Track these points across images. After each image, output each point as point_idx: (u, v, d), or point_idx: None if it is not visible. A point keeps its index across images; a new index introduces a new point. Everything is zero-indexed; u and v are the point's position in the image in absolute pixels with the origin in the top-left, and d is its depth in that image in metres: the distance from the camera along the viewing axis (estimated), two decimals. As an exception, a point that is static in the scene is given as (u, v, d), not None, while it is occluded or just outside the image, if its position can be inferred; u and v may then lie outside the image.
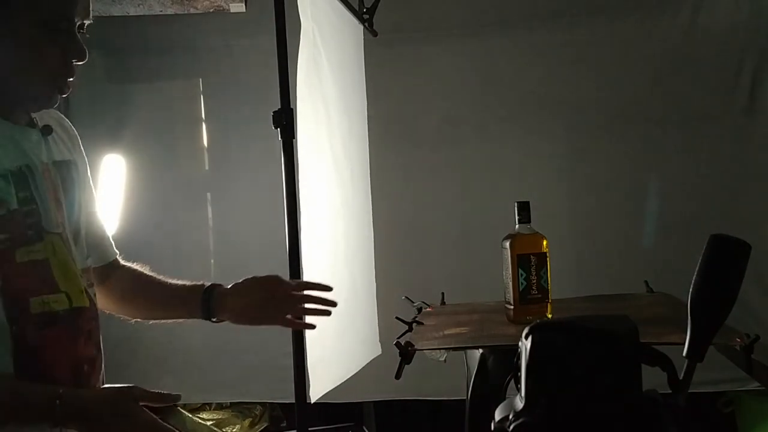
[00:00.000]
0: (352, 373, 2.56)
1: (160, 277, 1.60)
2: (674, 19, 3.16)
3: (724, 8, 3.13)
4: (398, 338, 1.80)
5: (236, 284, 1.57)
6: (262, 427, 3.46)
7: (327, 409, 3.10)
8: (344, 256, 2.55)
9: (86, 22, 1.28)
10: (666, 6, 3.17)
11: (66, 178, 1.34)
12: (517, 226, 1.97)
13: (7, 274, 1.18)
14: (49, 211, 1.26)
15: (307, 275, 2.15)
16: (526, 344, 0.97)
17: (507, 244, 1.96)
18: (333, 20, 2.54)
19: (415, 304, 2.22)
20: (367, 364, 2.68)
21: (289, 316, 1.61)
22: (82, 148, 1.46)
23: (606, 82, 3.20)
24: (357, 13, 2.79)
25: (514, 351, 1.00)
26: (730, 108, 3.14)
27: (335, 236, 2.49)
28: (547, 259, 1.95)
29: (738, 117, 3.14)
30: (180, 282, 1.59)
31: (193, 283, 1.59)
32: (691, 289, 0.98)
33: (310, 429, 2.15)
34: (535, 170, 3.25)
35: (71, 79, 1.28)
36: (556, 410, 0.94)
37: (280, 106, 2.02)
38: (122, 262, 1.58)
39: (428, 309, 2.24)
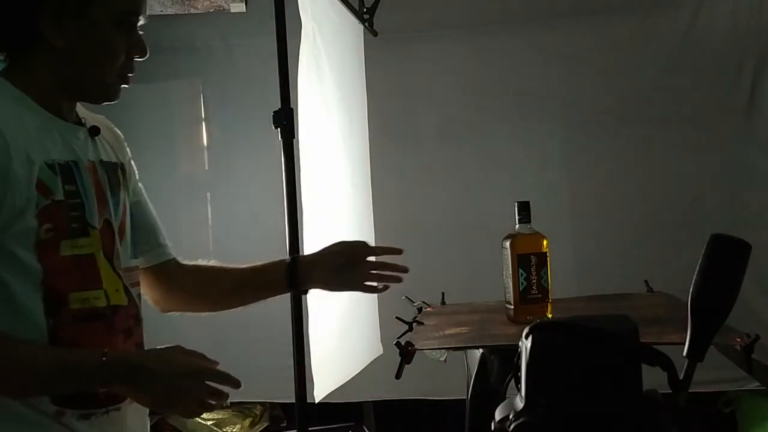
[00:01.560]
0: (355, 373, 2.56)
1: (230, 265, 1.63)
2: (674, 19, 3.16)
3: (724, 8, 3.13)
4: (398, 338, 1.80)
5: (319, 253, 1.64)
6: (262, 427, 3.46)
7: (327, 409, 3.09)
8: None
9: (142, 20, 1.32)
10: (666, 6, 3.17)
11: (112, 178, 1.35)
12: (517, 226, 1.97)
13: (49, 266, 1.19)
14: (94, 207, 1.27)
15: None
16: (526, 344, 0.97)
17: (507, 244, 1.95)
18: (333, 20, 2.54)
19: (415, 304, 2.21)
20: (368, 363, 2.69)
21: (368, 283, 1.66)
22: (129, 154, 1.48)
23: (606, 82, 3.20)
24: (357, 13, 2.79)
25: (514, 351, 1.00)
26: (730, 108, 3.14)
27: (336, 236, 2.49)
28: (548, 259, 1.95)
29: (738, 117, 3.14)
30: (252, 265, 1.63)
31: (270, 261, 1.64)
32: (691, 289, 0.98)
33: (310, 429, 2.15)
34: (535, 170, 3.25)
35: (131, 75, 1.31)
36: (556, 410, 0.94)
37: (280, 106, 2.02)
38: (184, 262, 1.58)
39: (428, 309, 2.24)
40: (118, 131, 1.47)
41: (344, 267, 1.61)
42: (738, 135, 3.15)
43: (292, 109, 2.05)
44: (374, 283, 1.66)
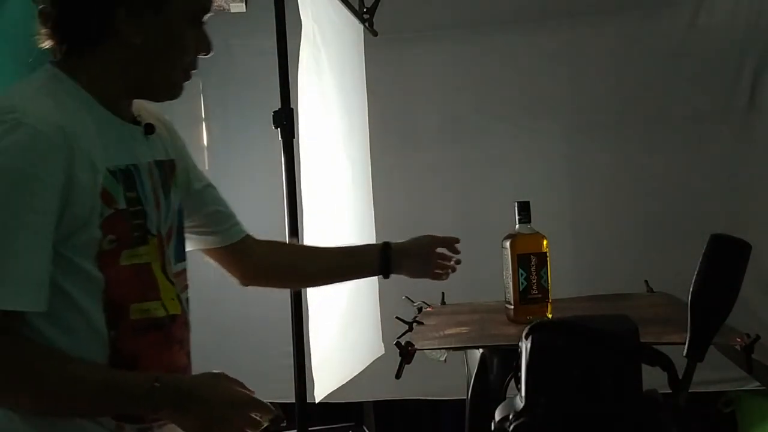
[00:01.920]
0: (356, 373, 2.56)
1: (317, 245, 1.73)
2: (674, 18, 3.16)
3: (724, 8, 3.13)
4: (398, 338, 1.80)
5: (410, 243, 1.74)
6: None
7: (327, 409, 3.09)
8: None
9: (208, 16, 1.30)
10: (666, 5, 3.16)
11: (164, 178, 1.31)
12: (517, 225, 1.96)
13: (111, 277, 1.16)
14: (153, 213, 1.24)
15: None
16: (526, 344, 0.97)
17: (507, 243, 1.95)
18: (333, 20, 2.54)
19: (415, 304, 2.21)
20: (369, 363, 2.69)
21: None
22: (181, 141, 1.44)
23: (606, 82, 3.20)
24: (357, 13, 2.79)
25: (514, 351, 1.00)
26: (730, 107, 3.14)
27: (337, 236, 2.49)
28: (548, 259, 1.95)
29: (738, 116, 3.14)
30: (342, 247, 1.75)
31: (361, 245, 1.81)
32: (691, 289, 0.98)
33: (310, 429, 2.15)
34: (535, 170, 3.25)
35: (194, 71, 1.30)
36: (556, 410, 0.94)
37: (280, 106, 2.01)
38: (259, 238, 1.60)
39: (428, 309, 2.24)
40: (167, 120, 1.42)
41: (429, 259, 1.76)
42: (738, 135, 3.14)
43: (292, 109, 2.05)
44: (441, 271, 1.80)
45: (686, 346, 0.99)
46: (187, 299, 1.35)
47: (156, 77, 1.25)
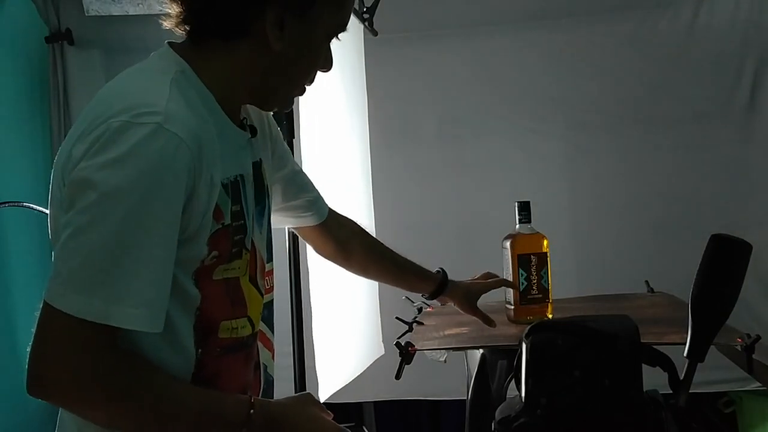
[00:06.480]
0: (358, 373, 2.56)
1: (389, 250, 1.74)
2: (674, 19, 3.16)
3: (724, 8, 3.12)
4: (398, 338, 1.79)
5: (466, 289, 1.85)
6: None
7: (327, 409, 3.09)
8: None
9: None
10: (666, 6, 3.16)
11: (256, 181, 1.22)
12: (517, 225, 1.96)
13: (205, 293, 1.10)
14: (250, 226, 1.17)
15: (311, 275, 2.16)
16: (526, 344, 0.97)
17: (507, 243, 1.95)
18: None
19: (415, 304, 2.21)
20: (370, 364, 2.69)
21: None
22: (270, 128, 1.36)
23: (606, 82, 3.20)
24: (357, 13, 2.78)
25: (515, 351, 1.00)
26: (731, 108, 3.14)
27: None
28: (548, 259, 1.95)
29: (738, 117, 3.14)
30: (407, 259, 1.77)
31: (424, 268, 1.80)
32: (692, 289, 0.98)
33: (310, 429, 2.14)
34: (535, 170, 3.24)
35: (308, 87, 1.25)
36: (556, 410, 0.94)
37: (279, 106, 2.01)
38: (334, 211, 1.63)
39: (428, 309, 2.24)
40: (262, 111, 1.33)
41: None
42: (738, 135, 3.14)
43: (292, 109, 2.04)
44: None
45: (687, 346, 0.99)
46: (271, 302, 1.31)
47: (281, 87, 1.19)
